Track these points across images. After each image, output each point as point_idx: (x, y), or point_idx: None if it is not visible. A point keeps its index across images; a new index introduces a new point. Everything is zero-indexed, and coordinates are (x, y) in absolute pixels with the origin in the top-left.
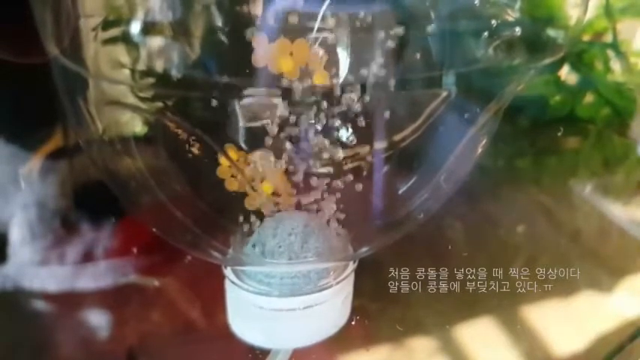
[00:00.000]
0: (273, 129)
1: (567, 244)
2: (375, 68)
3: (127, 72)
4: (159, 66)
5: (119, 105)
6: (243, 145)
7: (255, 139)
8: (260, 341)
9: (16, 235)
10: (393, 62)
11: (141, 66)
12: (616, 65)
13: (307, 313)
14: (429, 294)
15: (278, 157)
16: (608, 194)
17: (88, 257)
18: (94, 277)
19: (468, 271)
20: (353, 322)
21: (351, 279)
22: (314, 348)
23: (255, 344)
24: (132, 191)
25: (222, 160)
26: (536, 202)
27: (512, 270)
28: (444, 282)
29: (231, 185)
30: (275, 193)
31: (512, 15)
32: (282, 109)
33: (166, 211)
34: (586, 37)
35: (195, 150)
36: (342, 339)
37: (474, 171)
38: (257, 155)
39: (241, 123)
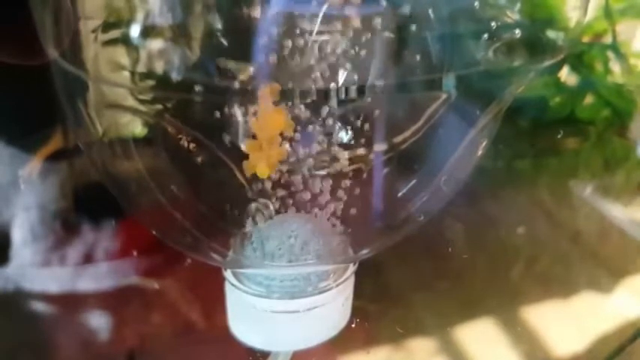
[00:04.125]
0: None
1: (567, 245)
2: (375, 70)
3: (126, 74)
4: (159, 68)
5: (119, 108)
6: (242, 147)
7: None
8: (260, 343)
9: (17, 236)
10: (393, 64)
11: (141, 68)
12: (616, 66)
13: (307, 315)
14: (429, 295)
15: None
16: (608, 195)
17: (88, 259)
18: (95, 279)
19: (468, 271)
20: (353, 325)
21: (352, 281)
22: (314, 350)
23: (255, 346)
24: (131, 193)
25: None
26: (537, 203)
27: (513, 270)
28: (444, 283)
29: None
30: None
31: (511, 17)
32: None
33: (166, 214)
34: (586, 39)
35: (194, 152)
36: (343, 341)
37: (475, 172)
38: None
39: (241, 125)
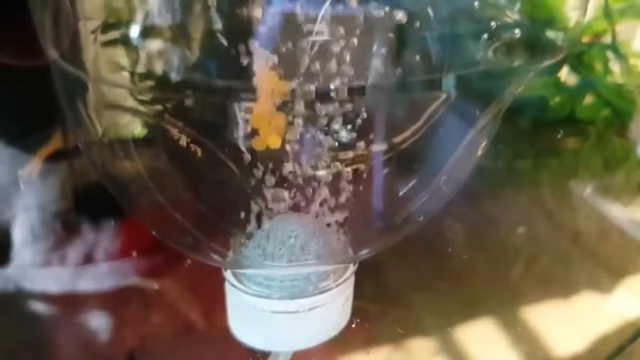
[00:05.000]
0: None
1: (567, 245)
2: (375, 71)
3: (126, 75)
4: (158, 69)
5: (118, 108)
6: (242, 148)
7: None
8: (260, 344)
9: (17, 236)
10: (393, 64)
11: (140, 69)
12: (615, 66)
13: (307, 315)
14: (429, 295)
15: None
16: (608, 195)
17: (88, 259)
18: (95, 279)
19: (468, 271)
20: (353, 325)
21: (352, 281)
22: (314, 350)
23: (255, 347)
24: (131, 194)
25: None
26: (537, 203)
27: (513, 270)
28: (444, 283)
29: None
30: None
31: (511, 17)
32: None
33: (166, 214)
34: (585, 39)
35: (194, 152)
36: (343, 341)
37: (475, 172)
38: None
39: (241, 125)
